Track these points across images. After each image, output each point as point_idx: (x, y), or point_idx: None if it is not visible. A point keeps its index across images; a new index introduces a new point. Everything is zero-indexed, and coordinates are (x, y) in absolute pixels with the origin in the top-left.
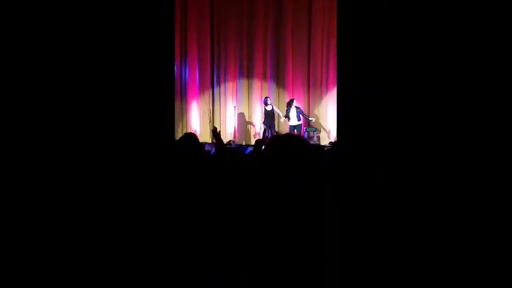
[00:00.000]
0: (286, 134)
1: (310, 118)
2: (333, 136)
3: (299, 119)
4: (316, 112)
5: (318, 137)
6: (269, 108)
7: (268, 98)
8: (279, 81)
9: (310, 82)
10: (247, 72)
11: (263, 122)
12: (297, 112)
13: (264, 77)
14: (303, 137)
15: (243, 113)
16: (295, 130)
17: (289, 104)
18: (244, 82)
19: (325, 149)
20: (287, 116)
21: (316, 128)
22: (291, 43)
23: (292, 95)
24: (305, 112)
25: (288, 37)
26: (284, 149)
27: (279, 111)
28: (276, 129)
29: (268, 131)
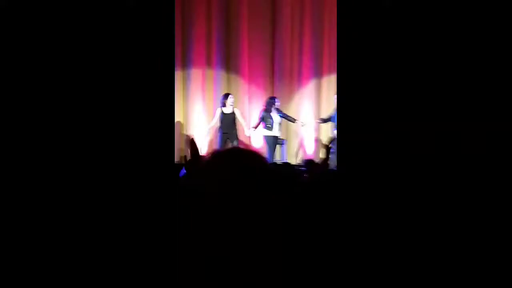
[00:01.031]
0: (234, 150)
1: (301, 123)
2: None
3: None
4: (284, 112)
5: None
6: (228, 110)
7: (230, 96)
8: (231, 68)
9: (275, 73)
10: (181, 61)
11: (220, 129)
12: (280, 116)
13: (208, 64)
14: (262, 157)
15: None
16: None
17: (270, 105)
18: (177, 73)
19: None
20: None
21: (283, 139)
22: (247, 23)
23: (249, 88)
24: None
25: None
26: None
27: (242, 120)
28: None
29: (229, 142)
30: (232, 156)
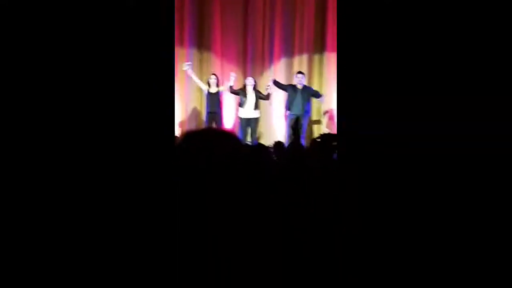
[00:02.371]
0: (206, 130)
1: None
2: (278, 128)
3: (256, 108)
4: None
5: None
6: (213, 90)
7: (212, 75)
8: (202, 47)
9: (247, 50)
10: None
11: (206, 108)
12: (256, 95)
13: (180, 43)
14: (234, 138)
15: None
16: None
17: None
18: None
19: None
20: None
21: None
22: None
23: (221, 65)
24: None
25: None
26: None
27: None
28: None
29: (213, 123)
30: (202, 137)
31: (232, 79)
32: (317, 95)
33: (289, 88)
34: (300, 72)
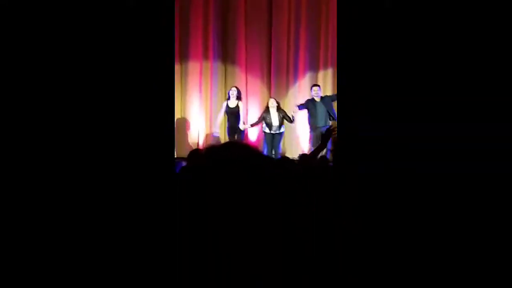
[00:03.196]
0: (227, 144)
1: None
2: (302, 145)
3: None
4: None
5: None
6: (232, 103)
7: (232, 88)
8: (228, 60)
9: (272, 65)
10: (179, 54)
11: (227, 122)
12: (279, 116)
13: (205, 57)
14: (256, 151)
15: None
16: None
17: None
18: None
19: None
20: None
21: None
22: (244, 15)
23: (247, 79)
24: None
25: (239, 5)
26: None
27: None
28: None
29: (235, 136)
30: (224, 150)
31: (248, 126)
32: (332, 115)
33: (308, 104)
34: (315, 85)
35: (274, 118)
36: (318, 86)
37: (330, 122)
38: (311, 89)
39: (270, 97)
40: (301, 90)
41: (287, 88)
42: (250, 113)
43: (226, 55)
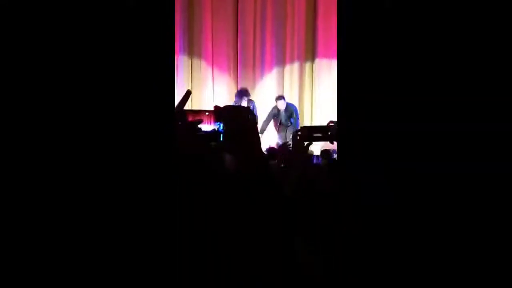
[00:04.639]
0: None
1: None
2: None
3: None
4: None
5: None
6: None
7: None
8: (193, 55)
9: (239, 59)
10: None
11: None
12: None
13: None
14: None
15: None
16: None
17: (239, 97)
18: None
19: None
20: None
21: None
22: (210, 8)
23: (212, 73)
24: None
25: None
26: None
27: None
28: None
29: None
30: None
31: None
32: (291, 120)
33: (273, 110)
34: (280, 98)
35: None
36: (283, 98)
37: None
38: (276, 101)
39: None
40: (268, 85)
41: (254, 82)
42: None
43: (192, 49)
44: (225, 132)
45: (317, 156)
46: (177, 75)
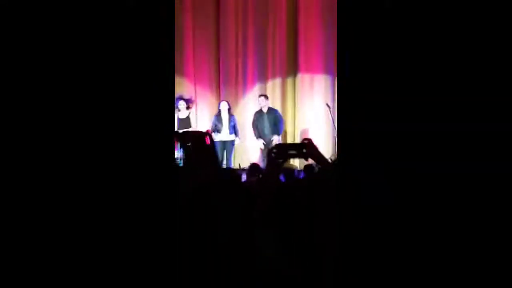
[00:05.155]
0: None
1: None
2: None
3: (232, 131)
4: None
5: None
6: (183, 115)
7: (180, 100)
8: (176, 72)
9: (221, 76)
10: None
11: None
12: (231, 121)
13: None
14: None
15: None
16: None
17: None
18: None
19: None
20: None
21: (233, 140)
22: (191, 24)
23: (195, 92)
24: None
25: (186, 16)
26: None
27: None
28: None
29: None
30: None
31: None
32: (278, 128)
33: (254, 115)
34: (262, 95)
35: (225, 122)
36: (265, 96)
37: (275, 136)
38: (259, 98)
39: (221, 100)
40: (250, 101)
41: (236, 98)
42: (200, 123)
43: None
44: (185, 155)
45: (300, 170)
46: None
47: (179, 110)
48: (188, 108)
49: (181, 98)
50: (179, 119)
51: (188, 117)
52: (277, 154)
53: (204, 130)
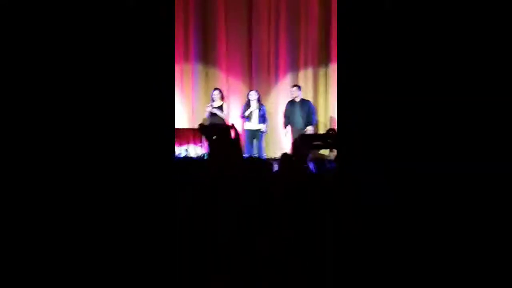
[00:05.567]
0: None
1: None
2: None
3: (262, 120)
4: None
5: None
6: (217, 105)
7: (217, 91)
8: (208, 63)
9: (253, 66)
10: None
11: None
12: (260, 110)
13: (185, 59)
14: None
15: None
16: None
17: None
18: None
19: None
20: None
21: (262, 132)
22: (224, 17)
23: (227, 82)
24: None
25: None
26: None
27: (219, 112)
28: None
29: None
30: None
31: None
32: (311, 119)
33: (286, 105)
34: (295, 85)
35: (255, 111)
36: (298, 86)
37: (309, 127)
38: (291, 89)
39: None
40: (282, 91)
41: (268, 88)
42: (232, 114)
43: (206, 58)
44: (209, 146)
45: (331, 160)
46: (192, 84)
47: (213, 100)
48: (222, 98)
49: (216, 88)
50: (211, 109)
51: (221, 107)
52: (302, 145)
53: (233, 121)
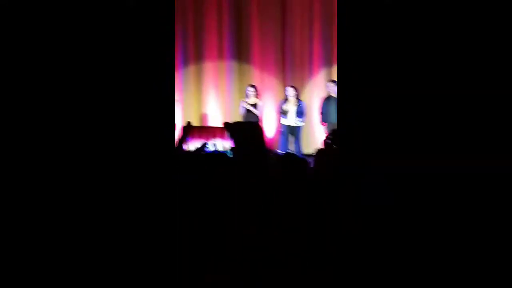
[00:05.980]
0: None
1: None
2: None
3: (300, 116)
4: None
5: None
6: (251, 102)
7: (252, 87)
8: (241, 60)
9: (286, 62)
10: (195, 54)
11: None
12: (298, 106)
13: (219, 56)
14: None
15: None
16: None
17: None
18: (191, 67)
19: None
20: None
21: (298, 127)
22: (257, 13)
23: (261, 79)
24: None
25: (252, 4)
26: None
27: (253, 109)
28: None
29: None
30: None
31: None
32: None
33: (322, 100)
34: (331, 80)
35: (292, 107)
36: (334, 81)
37: None
38: (327, 84)
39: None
40: (316, 87)
41: (302, 83)
42: (267, 110)
43: (240, 54)
44: (235, 144)
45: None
46: (226, 81)
47: (247, 97)
48: (257, 95)
49: (251, 85)
50: (245, 105)
51: (255, 105)
52: (333, 141)
53: (267, 117)
